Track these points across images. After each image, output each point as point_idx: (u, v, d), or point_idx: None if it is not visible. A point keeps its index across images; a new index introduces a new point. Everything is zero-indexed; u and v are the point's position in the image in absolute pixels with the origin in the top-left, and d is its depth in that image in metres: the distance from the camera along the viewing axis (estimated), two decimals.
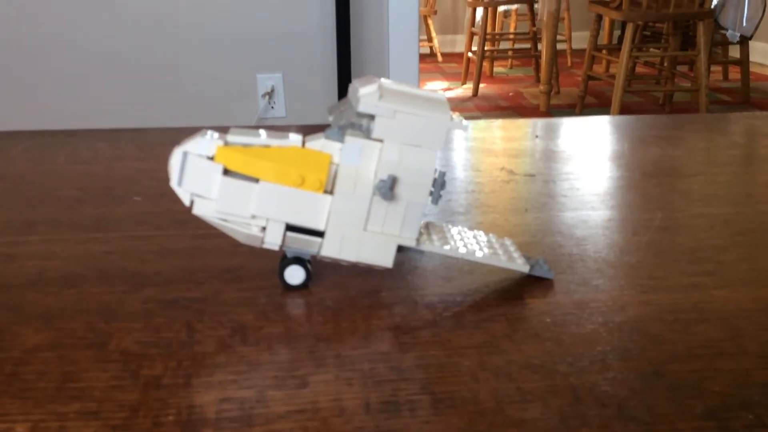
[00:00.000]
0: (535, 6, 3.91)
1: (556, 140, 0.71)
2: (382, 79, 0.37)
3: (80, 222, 0.49)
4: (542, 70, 3.29)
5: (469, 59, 3.98)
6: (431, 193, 0.38)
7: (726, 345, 0.34)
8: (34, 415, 0.29)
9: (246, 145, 0.36)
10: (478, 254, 0.39)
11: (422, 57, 4.70)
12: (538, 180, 0.59)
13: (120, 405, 0.30)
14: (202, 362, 0.33)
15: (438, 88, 3.94)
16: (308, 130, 0.68)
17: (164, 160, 0.63)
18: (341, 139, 0.37)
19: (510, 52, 4.22)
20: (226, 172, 0.36)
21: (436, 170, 0.37)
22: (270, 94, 2.02)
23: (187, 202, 0.37)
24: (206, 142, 0.36)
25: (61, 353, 0.33)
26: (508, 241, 0.43)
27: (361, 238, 0.38)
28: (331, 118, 0.38)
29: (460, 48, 5.14)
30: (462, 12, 5.14)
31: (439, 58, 4.81)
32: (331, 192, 0.37)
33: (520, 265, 0.40)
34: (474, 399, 0.30)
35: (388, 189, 0.36)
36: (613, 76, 3.12)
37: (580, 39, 4.95)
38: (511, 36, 4.23)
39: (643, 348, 0.34)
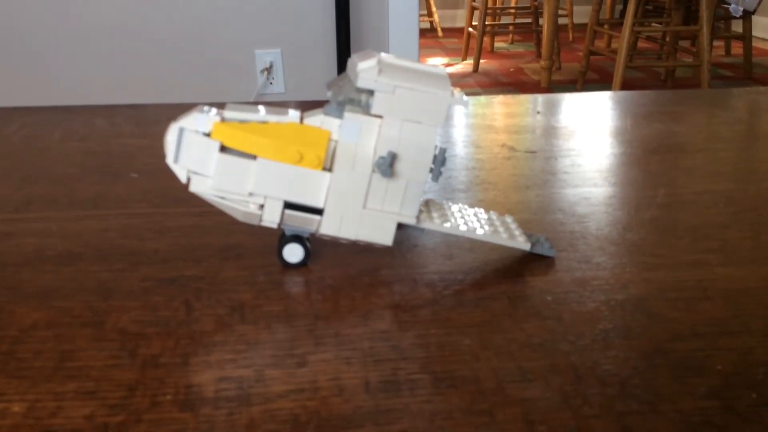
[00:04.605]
0: None
1: (557, 116, 0.70)
2: (382, 54, 0.36)
3: (77, 199, 0.49)
4: (543, 46, 3.26)
5: (469, 34, 3.95)
6: (431, 170, 0.37)
7: (729, 323, 0.34)
8: (30, 394, 0.29)
9: (243, 122, 0.36)
10: (479, 232, 0.39)
11: (422, 32, 4.66)
12: (539, 157, 0.58)
13: (117, 384, 0.29)
14: (200, 341, 0.32)
15: (438, 63, 3.91)
16: (307, 106, 0.67)
17: (161, 137, 0.62)
18: (340, 116, 0.36)
19: (511, 27, 4.18)
20: (224, 148, 0.36)
21: (436, 147, 0.37)
22: (269, 69, 2.00)
23: (183, 180, 0.36)
24: (203, 118, 0.35)
25: (58, 332, 0.33)
26: (509, 219, 0.42)
27: (360, 215, 0.37)
28: (329, 94, 0.38)
29: (460, 23, 5.10)
30: None
31: (440, 33, 4.77)
32: (329, 169, 0.37)
33: (522, 243, 0.40)
34: (474, 378, 0.30)
35: (387, 166, 0.36)
36: (614, 52, 3.10)
37: (582, 13, 4.91)
38: (513, 10, 4.19)
39: (646, 326, 0.34)
